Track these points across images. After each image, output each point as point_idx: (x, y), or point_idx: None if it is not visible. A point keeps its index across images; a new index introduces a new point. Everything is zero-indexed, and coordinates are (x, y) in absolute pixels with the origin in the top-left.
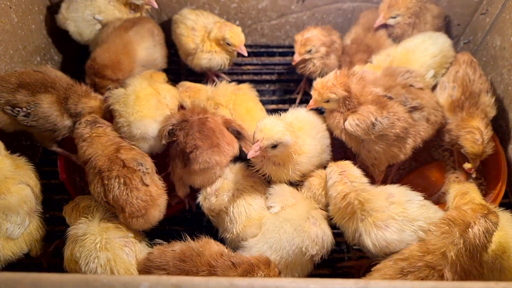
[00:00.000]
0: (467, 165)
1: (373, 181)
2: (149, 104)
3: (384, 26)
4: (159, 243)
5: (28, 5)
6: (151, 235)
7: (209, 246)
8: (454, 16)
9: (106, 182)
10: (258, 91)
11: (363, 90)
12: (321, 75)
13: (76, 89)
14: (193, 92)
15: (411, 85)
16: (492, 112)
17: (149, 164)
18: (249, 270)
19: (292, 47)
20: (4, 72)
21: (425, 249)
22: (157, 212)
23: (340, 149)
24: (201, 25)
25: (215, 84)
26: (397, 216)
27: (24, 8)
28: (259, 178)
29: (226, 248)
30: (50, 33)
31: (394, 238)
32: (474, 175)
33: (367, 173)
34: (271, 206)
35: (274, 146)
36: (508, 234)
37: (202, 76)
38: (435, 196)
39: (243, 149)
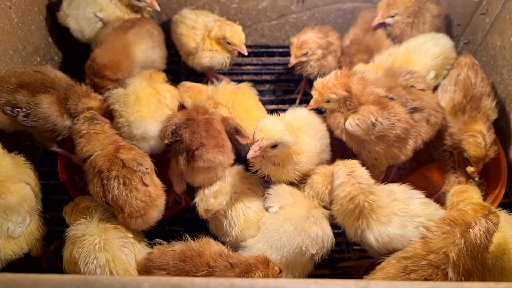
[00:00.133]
0: (470, 169)
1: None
2: (149, 104)
3: (382, 25)
4: (159, 243)
5: (28, 5)
6: (151, 235)
7: (209, 246)
8: (454, 16)
9: (106, 182)
10: (258, 91)
11: (364, 90)
12: (319, 76)
13: (76, 89)
14: (194, 93)
15: (412, 86)
16: (494, 116)
17: (148, 164)
18: (247, 270)
19: None
20: (4, 72)
21: (428, 248)
22: (156, 212)
23: (341, 149)
24: (202, 24)
25: (216, 84)
26: (399, 212)
27: (24, 8)
28: (255, 180)
29: (226, 248)
30: (50, 33)
31: (397, 233)
32: (477, 179)
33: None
34: (270, 206)
35: (274, 146)
36: (507, 235)
37: (202, 76)
38: (435, 196)
39: (240, 141)
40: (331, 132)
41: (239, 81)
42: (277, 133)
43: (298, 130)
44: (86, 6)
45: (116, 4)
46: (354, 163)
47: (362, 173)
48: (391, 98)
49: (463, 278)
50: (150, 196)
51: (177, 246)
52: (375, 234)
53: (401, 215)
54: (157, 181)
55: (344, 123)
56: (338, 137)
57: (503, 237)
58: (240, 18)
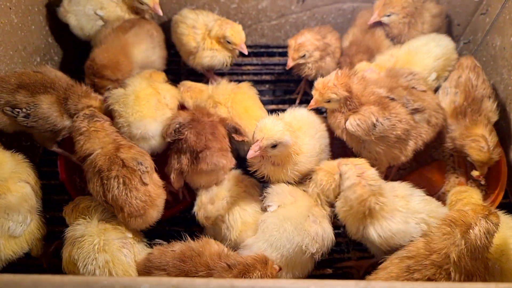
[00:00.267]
0: (475, 173)
1: None
2: (149, 104)
3: (379, 24)
4: (159, 244)
5: (27, 6)
6: (151, 235)
7: (209, 246)
8: (454, 16)
9: (106, 181)
10: (258, 91)
11: (365, 91)
12: (317, 77)
13: (76, 89)
14: (195, 93)
15: (413, 87)
16: (495, 117)
17: (148, 162)
18: (245, 271)
19: None
20: (4, 72)
21: (430, 248)
22: (156, 212)
23: (341, 149)
24: (202, 23)
25: (216, 84)
26: (401, 208)
27: (24, 9)
28: (250, 182)
29: (226, 247)
30: (50, 33)
31: (400, 228)
32: (483, 182)
33: None
34: (268, 205)
35: (274, 146)
36: (504, 236)
37: (203, 76)
38: (435, 196)
39: (235, 138)
40: (331, 131)
41: (239, 81)
42: (277, 133)
43: (297, 130)
44: (87, 2)
45: (117, 3)
46: (363, 163)
47: (372, 173)
48: (392, 99)
49: (466, 279)
50: (150, 196)
51: (177, 247)
52: (378, 230)
53: (403, 211)
54: (158, 180)
55: (345, 123)
56: (338, 137)
57: (501, 238)
58: (240, 18)
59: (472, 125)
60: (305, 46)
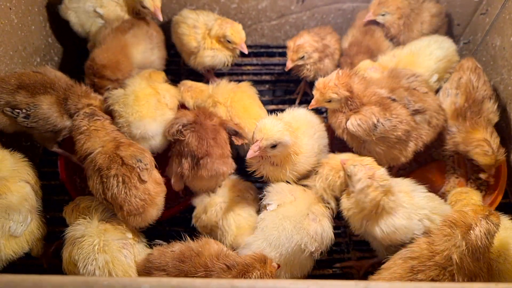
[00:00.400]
0: (483, 175)
1: None
2: (148, 104)
3: (378, 24)
4: (159, 244)
5: (27, 6)
6: (151, 236)
7: (209, 246)
8: (454, 16)
9: (105, 180)
10: (258, 91)
11: (367, 91)
12: (316, 79)
13: (75, 89)
14: (195, 93)
15: (414, 89)
16: (495, 119)
17: (148, 159)
18: (244, 271)
19: None
20: (4, 73)
21: (433, 249)
22: (155, 210)
23: (341, 149)
24: (202, 23)
25: (216, 83)
26: (405, 204)
27: (23, 9)
28: (244, 185)
29: (226, 247)
30: (50, 34)
31: (403, 224)
32: (492, 182)
33: None
34: (268, 204)
35: (274, 146)
36: (501, 237)
37: (202, 76)
38: None
39: (235, 141)
40: (332, 131)
41: (239, 81)
42: (276, 133)
43: (296, 130)
44: (87, 0)
45: (117, 2)
46: (371, 163)
47: (382, 173)
48: (394, 100)
49: (469, 280)
50: (149, 194)
51: (177, 247)
52: (381, 225)
53: (407, 206)
54: (158, 177)
55: (346, 123)
56: (339, 137)
57: (498, 239)
58: (240, 18)
59: (473, 130)
60: (304, 48)
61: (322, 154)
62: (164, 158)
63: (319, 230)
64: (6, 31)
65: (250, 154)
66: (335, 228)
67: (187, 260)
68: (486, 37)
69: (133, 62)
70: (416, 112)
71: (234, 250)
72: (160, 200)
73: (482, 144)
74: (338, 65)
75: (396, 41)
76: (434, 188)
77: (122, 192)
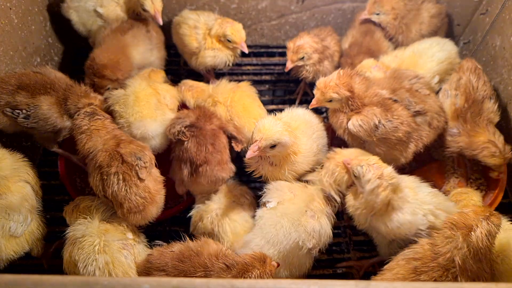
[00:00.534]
0: (493, 174)
1: None
2: (148, 104)
3: (374, 23)
4: (159, 245)
5: (28, 6)
6: (151, 236)
7: (208, 246)
8: (454, 16)
9: (105, 177)
10: (258, 91)
11: (368, 91)
12: (315, 80)
13: (75, 89)
14: (197, 92)
15: (416, 90)
16: (496, 118)
17: (148, 158)
18: (243, 270)
19: None
20: (4, 73)
21: (436, 251)
22: (155, 208)
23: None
24: (203, 23)
25: (217, 83)
26: (410, 199)
27: (24, 9)
28: (240, 190)
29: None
30: (50, 34)
31: (407, 219)
32: (505, 179)
33: None
34: (268, 201)
35: (273, 147)
36: (499, 238)
37: (202, 76)
38: None
39: (234, 147)
40: (332, 131)
41: (239, 81)
42: (276, 134)
43: (295, 129)
44: None
45: (118, 3)
46: (378, 161)
47: (389, 171)
48: (395, 101)
49: (473, 281)
50: (150, 192)
51: (176, 247)
52: (386, 220)
53: (411, 202)
54: (158, 176)
55: (347, 123)
56: (340, 137)
57: (496, 240)
58: (240, 18)
59: (476, 133)
60: (304, 49)
61: (321, 154)
62: (164, 157)
63: (316, 227)
64: (6, 31)
65: (249, 154)
66: (335, 228)
67: (187, 260)
68: (486, 37)
69: (132, 63)
70: (417, 113)
71: None
72: (160, 198)
73: (488, 146)
74: (338, 67)
75: (395, 41)
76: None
77: (123, 190)
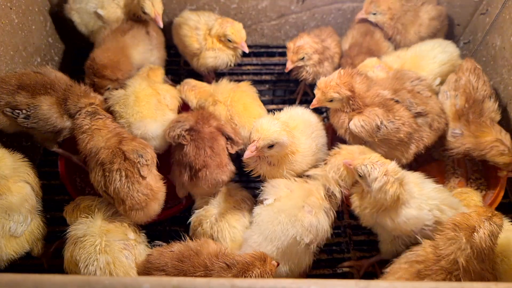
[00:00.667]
0: (502, 173)
1: None
2: (149, 104)
3: (373, 24)
4: (159, 245)
5: (28, 6)
6: (151, 236)
7: (207, 246)
8: (454, 16)
9: (107, 174)
10: (258, 91)
11: (370, 91)
12: (315, 82)
13: (75, 89)
14: (199, 92)
15: (418, 92)
16: (497, 117)
17: (149, 155)
18: (244, 269)
19: None
20: (4, 73)
21: (438, 254)
22: (157, 205)
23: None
24: (204, 23)
25: (217, 82)
26: (416, 195)
27: (24, 9)
28: (241, 195)
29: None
30: (51, 34)
31: (414, 214)
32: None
33: None
34: (265, 199)
35: (271, 146)
36: (500, 237)
37: (202, 76)
38: None
39: (229, 149)
40: (333, 131)
41: (239, 81)
42: (273, 134)
43: (293, 129)
44: (88, 0)
45: (118, 4)
46: (380, 158)
47: (393, 166)
48: (397, 101)
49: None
50: (152, 190)
51: (176, 247)
52: (392, 215)
53: (417, 197)
54: (158, 174)
55: (348, 123)
56: (341, 136)
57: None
58: (240, 18)
59: (481, 133)
60: (304, 49)
61: (320, 153)
62: (164, 158)
63: (314, 222)
64: (7, 31)
65: (247, 154)
66: (335, 228)
67: (186, 260)
68: (486, 37)
69: (132, 63)
70: (418, 114)
71: None
72: (161, 195)
73: (496, 145)
74: (338, 68)
75: (393, 41)
76: None
77: (125, 187)
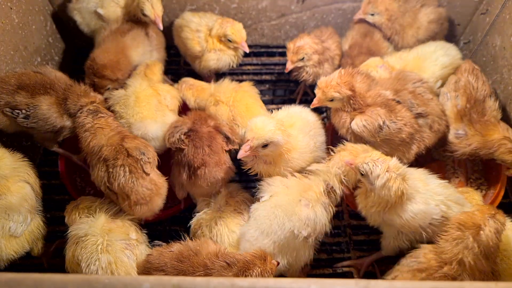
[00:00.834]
0: (509, 172)
1: None
2: (149, 105)
3: (373, 25)
4: (159, 245)
5: (28, 5)
6: (151, 236)
7: (206, 245)
8: (454, 16)
9: (111, 170)
10: (258, 91)
11: (372, 92)
12: (315, 83)
13: (74, 89)
14: (197, 91)
15: (419, 94)
16: (499, 116)
17: (151, 154)
18: (244, 268)
19: None
20: (4, 72)
21: (441, 260)
22: (160, 200)
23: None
24: (205, 25)
25: (218, 82)
26: (421, 190)
27: (24, 8)
28: (242, 197)
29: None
30: (51, 33)
31: (421, 208)
32: (505, 179)
33: None
34: (261, 196)
35: (265, 146)
36: None
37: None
38: None
39: (224, 148)
40: (333, 130)
41: (239, 81)
42: (267, 133)
43: (291, 127)
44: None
45: (118, 4)
46: (381, 155)
47: (395, 162)
48: (398, 102)
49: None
50: (156, 184)
51: (175, 247)
52: (399, 212)
53: (423, 192)
54: (159, 172)
55: (350, 122)
56: (342, 136)
57: None
58: (240, 18)
59: (488, 132)
60: (304, 49)
61: (319, 151)
62: (165, 158)
63: (311, 216)
64: (7, 30)
65: (241, 154)
66: (335, 228)
67: (186, 259)
68: (486, 37)
69: (132, 64)
70: (419, 115)
71: None
72: (164, 191)
73: (505, 143)
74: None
75: (392, 41)
76: None
77: (130, 182)
